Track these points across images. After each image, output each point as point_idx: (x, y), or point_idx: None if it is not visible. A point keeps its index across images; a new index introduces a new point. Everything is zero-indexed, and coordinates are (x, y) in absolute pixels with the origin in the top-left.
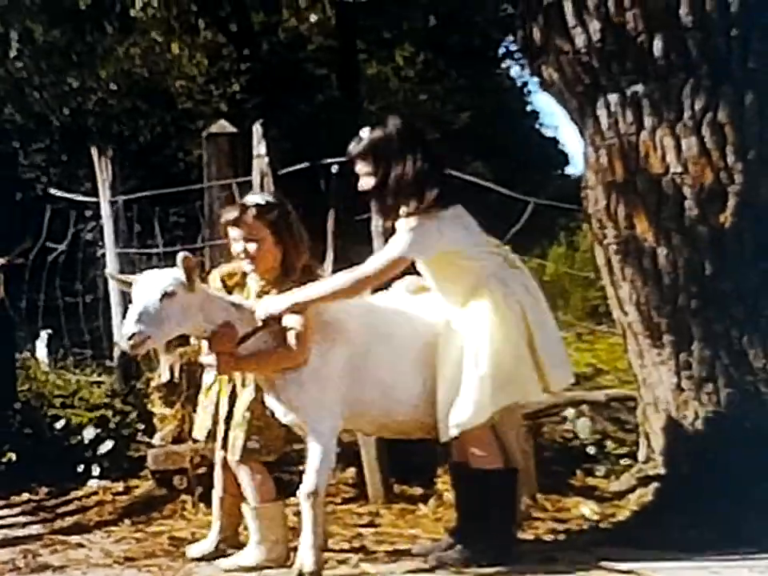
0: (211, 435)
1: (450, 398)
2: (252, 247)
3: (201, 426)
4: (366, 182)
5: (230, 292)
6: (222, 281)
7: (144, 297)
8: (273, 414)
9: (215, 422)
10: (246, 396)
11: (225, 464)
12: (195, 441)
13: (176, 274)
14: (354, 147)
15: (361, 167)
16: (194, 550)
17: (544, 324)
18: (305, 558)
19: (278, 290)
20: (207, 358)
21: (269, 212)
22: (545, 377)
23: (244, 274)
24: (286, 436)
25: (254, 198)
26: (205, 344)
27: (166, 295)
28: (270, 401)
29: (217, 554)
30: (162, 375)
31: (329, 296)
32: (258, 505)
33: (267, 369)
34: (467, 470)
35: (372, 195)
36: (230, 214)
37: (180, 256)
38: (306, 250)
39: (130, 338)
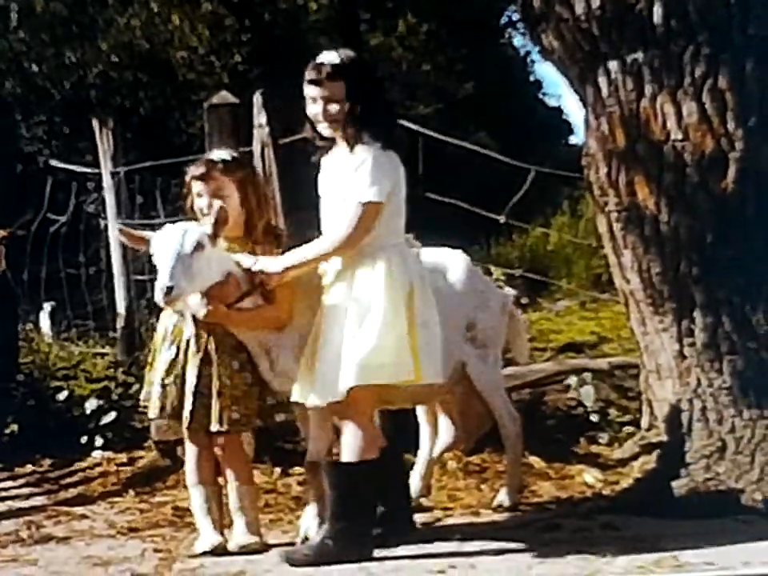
0: (175, 412)
1: (333, 360)
2: (217, 203)
3: (162, 402)
4: (333, 108)
5: None
6: None
7: (175, 250)
8: (251, 383)
9: (181, 398)
10: (218, 366)
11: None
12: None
13: (201, 227)
14: (325, 67)
15: (324, 91)
16: (203, 545)
17: (427, 313)
18: (311, 526)
19: (242, 249)
20: (196, 302)
21: (236, 169)
22: (418, 366)
23: None
24: (267, 408)
25: (220, 154)
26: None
27: (197, 248)
28: (263, 370)
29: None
30: (186, 330)
31: (321, 257)
32: (248, 486)
33: (251, 325)
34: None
35: (336, 123)
36: (198, 169)
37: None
38: (270, 210)
39: (166, 293)
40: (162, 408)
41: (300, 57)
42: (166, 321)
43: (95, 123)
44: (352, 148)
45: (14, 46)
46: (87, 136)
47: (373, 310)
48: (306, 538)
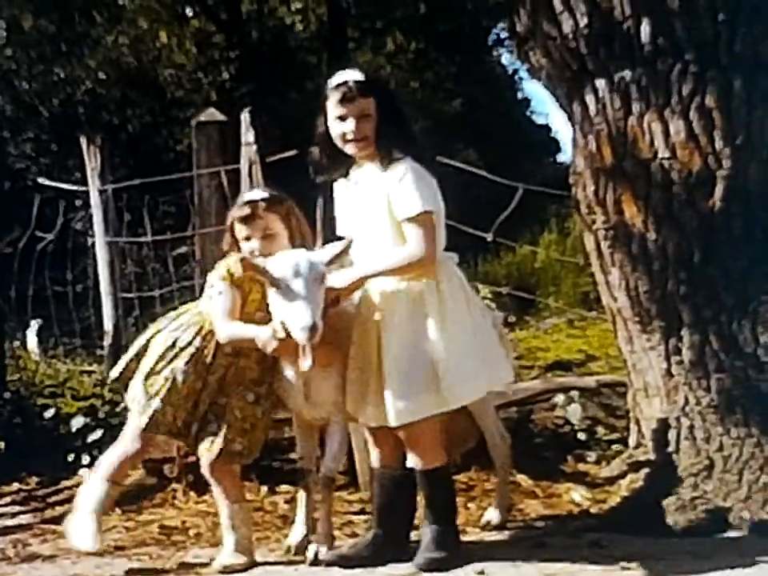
0: (182, 432)
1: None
2: (265, 244)
3: (157, 418)
4: (365, 125)
5: (238, 286)
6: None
7: (308, 284)
8: (261, 416)
9: (191, 419)
10: (234, 398)
11: None
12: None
13: (322, 257)
14: (355, 85)
15: (356, 109)
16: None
17: (482, 322)
18: (320, 543)
19: None
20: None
21: (278, 204)
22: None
23: None
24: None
25: (256, 194)
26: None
27: (322, 281)
28: (294, 399)
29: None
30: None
31: (395, 273)
32: (239, 504)
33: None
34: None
35: (366, 140)
36: (242, 210)
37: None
38: (311, 241)
39: (312, 330)
40: (156, 424)
41: (288, 75)
42: (177, 333)
43: (83, 140)
44: (386, 164)
45: (2, 63)
46: (75, 153)
47: (437, 327)
48: (316, 555)
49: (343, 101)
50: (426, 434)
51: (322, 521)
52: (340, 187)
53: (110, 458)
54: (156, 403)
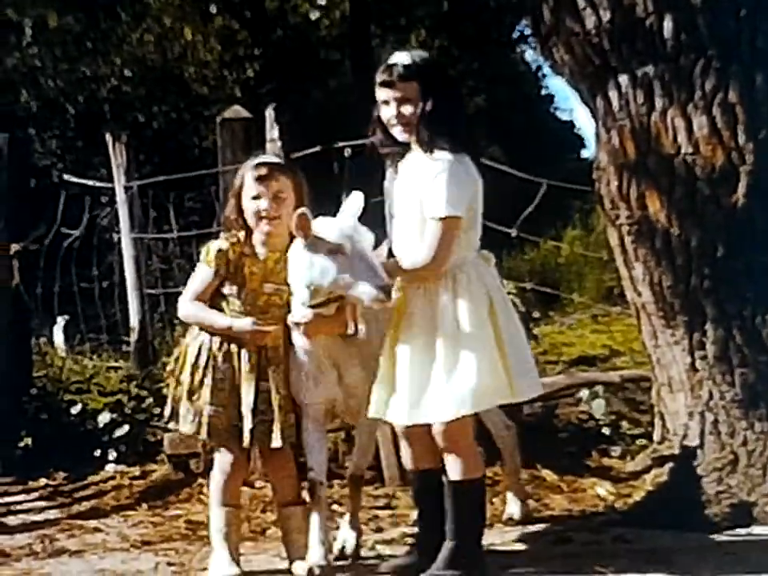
0: (229, 433)
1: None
2: (273, 206)
3: (215, 423)
4: (406, 110)
5: (228, 264)
6: (224, 252)
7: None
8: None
9: (240, 418)
10: (274, 382)
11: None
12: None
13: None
14: (396, 68)
15: (397, 93)
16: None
17: (512, 327)
18: (348, 539)
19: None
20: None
21: (292, 170)
22: (512, 384)
23: (243, 245)
24: None
25: (271, 157)
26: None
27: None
28: (329, 383)
29: None
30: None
31: (408, 276)
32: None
33: (325, 330)
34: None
35: (409, 126)
36: (259, 170)
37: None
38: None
39: (387, 292)
40: (215, 430)
41: (311, 71)
42: (201, 338)
43: (108, 137)
44: (428, 152)
45: (28, 61)
46: (101, 150)
47: (459, 330)
48: (343, 549)
49: (383, 84)
50: (465, 438)
51: (351, 518)
52: (389, 175)
53: (214, 484)
54: (207, 410)
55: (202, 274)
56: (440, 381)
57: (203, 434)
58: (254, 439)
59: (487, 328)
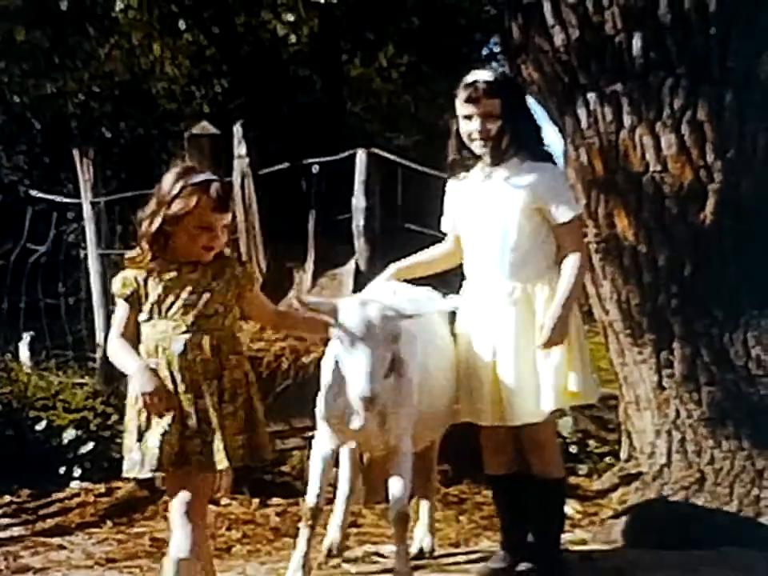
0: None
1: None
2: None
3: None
4: (490, 125)
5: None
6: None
7: (377, 348)
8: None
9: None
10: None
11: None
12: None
13: (401, 309)
14: (480, 84)
15: (481, 108)
16: None
17: (581, 332)
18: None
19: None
20: None
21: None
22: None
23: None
24: None
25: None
26: None
27: (395, 341)
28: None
29: None
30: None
31: (577, 288)
32: None
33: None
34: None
35: (490, 140)
36: (216, 189)
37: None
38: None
39: (369, 402)
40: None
41: (280, 88)
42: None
43: (76, 153)
44: (523, 162)
45: None
46: (68, 166)
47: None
48: (421, 549)
49: (469, 100)
50: (554, 438)
51: (399, 560)
52: (454, 185)
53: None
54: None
55: (117, 309)
56: (538, 378)
57: (152, 465)
58: (193, 462)
59: (572, 327)
